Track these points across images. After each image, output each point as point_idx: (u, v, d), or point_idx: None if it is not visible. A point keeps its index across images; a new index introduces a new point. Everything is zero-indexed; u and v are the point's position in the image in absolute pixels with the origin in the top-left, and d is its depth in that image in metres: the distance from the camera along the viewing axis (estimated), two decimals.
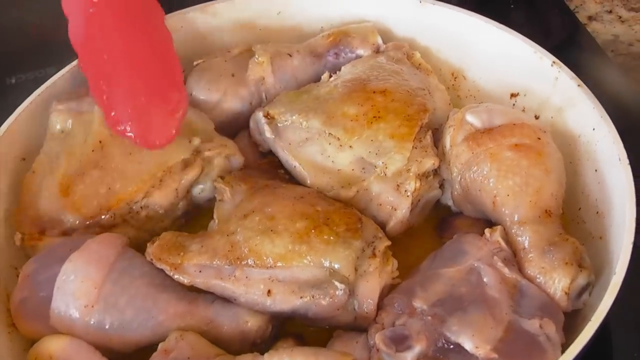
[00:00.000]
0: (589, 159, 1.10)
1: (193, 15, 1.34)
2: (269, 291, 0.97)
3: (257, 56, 1.25)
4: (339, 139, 1.12)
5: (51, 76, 1.22)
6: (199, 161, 1.12)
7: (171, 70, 1.11)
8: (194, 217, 1.18)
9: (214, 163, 1.14)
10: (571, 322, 0.96)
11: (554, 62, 1.17)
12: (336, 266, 0.97)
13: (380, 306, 0.98)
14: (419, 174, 1.08)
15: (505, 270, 0.97)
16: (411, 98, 1.15)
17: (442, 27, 1.30)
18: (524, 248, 1.00)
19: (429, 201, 1.14)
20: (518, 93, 1.24)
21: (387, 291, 1.00)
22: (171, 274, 1.01)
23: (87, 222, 1.08)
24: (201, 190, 1.15)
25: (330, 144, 1.13)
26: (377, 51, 1.29)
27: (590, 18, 1.64)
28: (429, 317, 0.92)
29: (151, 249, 1.03)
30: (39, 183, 1.12)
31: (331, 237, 0.99)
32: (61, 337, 0.97)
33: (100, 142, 1.12)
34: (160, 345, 0.95)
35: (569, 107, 1.15)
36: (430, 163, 1.09)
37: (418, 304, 0.94)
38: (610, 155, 1.05)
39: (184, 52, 1.32)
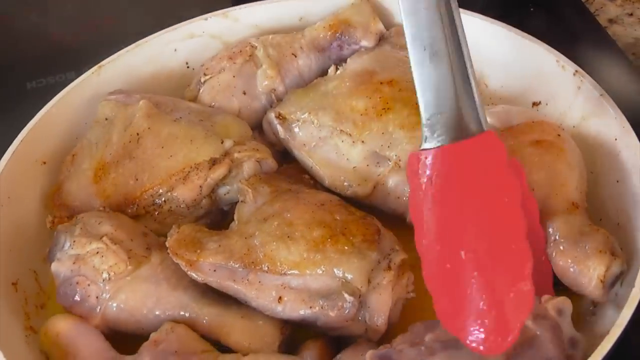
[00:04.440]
0: (611, 169, 1.08)
1: (215, 21, 1.34)
2: (280, 298, 0.97)
3: (264, 67, 1.24)
4: (350, 135, 1.12)
5: (71, 81, 1.24)
6: (227, 162, 1.11)
7: (519, 258, 0.87)
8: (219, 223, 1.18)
9: (243, 166, 1.13)
10: (587, 337, 0.94)
11: (576, 71, 1.15)
12: (349, 277, 0.96)
13: (405, 329, 0.95)
14: None
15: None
16: None
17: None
18: (555, 240, 0.98)
19: None
20: (540, 102, 1.23)
21: (402, 305, 1.00)
22: (186, 269, 1.01)
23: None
24: (227, 192, 1.14)
25: (342, 141, 1.12)
26: (381, 38, 1.28)
27: (610, 21, 1.62)
28: (423, 348, 0.89)
29: (169, 243, 1.03)
30: (76, 167, 1.16)
31: (346, 247, 0.98)
32: (69, 318, 1.00)
33: (137, 134, 1.13)
34: (151, 335, 0.97)
35: (591, 116, 1.13)
36: None
37: (428, 337, 0.90)
38: (631, 166, 1.03)
39: (208, 57, 1.32)
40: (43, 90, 1.47)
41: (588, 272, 0.94)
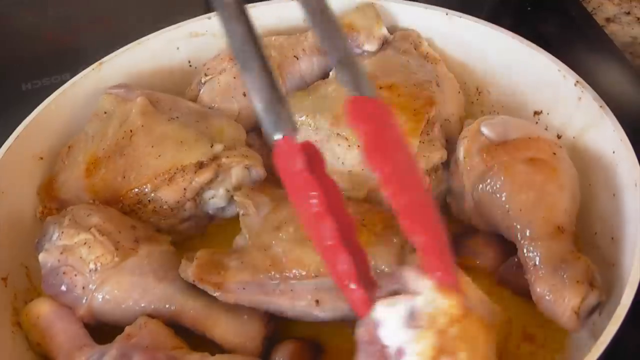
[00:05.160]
0: (608, 182, 1.07)
1: (217, 20, 1.33)
2: (317, 301, 0.95)
3: None
4: (346, 139, 1.11)
5: (66, 82, 1.23)
6: (214, 166, 1.11)
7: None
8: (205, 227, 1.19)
9: (231, 172, 1.12)
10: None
11: (577, 81, 1.14)
12: (383, 267, 0.93)
13: None
14: (427, 170, 1.07)
15: None
16: (418, 91, 1.13)
17: (468, 41, 1.28)
18: (535, 264, 0.97)
19: (439, 195, 1.13)
20: (541, 111, 1.21)
21: None
22: (214, 293, 0.97)
23: None
24: (212, 196, 1.14)
25: (339, 145, 1.12)
26: (384, 42, 1.27)
27: (608, 20, 1.60)
28: None
29: (191, 271, 0.99)
30: (71, 159, 1.17)
31: (371, 238, 0.96)
32: (51, 302, 1.02)
33: (131, 131, 1.13)
34: (126, 328, 0.97)
35: (591, 128, 1.12)
36: (437, 157, 1.08)
37: None
38: (628, 180, 1.02)
39: (211, 56, 1.31)
40: (38, 92, 1.43)
41: (563, 302, 0.93)
